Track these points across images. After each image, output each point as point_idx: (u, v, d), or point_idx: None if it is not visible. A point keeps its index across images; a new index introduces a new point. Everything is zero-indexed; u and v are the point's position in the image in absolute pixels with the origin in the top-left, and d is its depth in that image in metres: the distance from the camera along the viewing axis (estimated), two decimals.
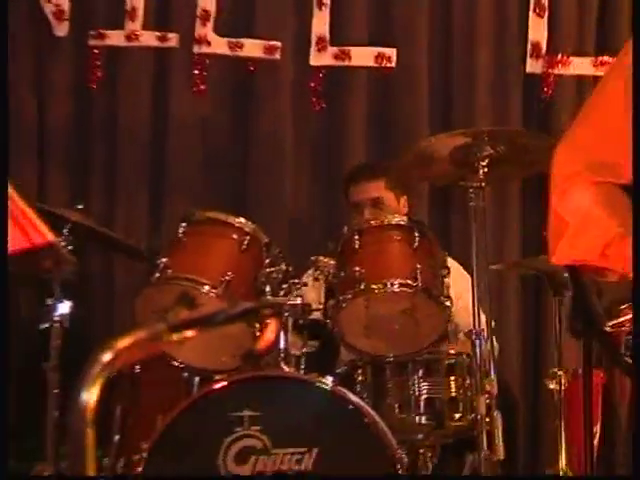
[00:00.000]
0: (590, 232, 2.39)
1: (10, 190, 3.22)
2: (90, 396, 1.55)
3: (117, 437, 4.06)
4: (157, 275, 3.78)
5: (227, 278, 3.70)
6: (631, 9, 5.14)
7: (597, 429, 4.53)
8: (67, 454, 1.74)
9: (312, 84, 5.16)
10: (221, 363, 3.87)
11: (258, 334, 3.45)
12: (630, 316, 2.44)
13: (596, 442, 4.54)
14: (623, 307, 2.49)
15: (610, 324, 2.49)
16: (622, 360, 2.50)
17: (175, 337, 1.72)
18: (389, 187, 4.59)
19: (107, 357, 1.59)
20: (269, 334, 2.92)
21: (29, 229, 3.20)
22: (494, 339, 4.18)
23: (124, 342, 1.64)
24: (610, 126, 2.47)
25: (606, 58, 5.16)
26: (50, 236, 3.41)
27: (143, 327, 1.72)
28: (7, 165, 2.99)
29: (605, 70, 4.98)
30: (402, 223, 3.93)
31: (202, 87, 5.13)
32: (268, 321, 2.79)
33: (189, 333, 1.75)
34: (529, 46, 5.16)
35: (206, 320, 1.73)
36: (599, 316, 2.50)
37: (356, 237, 3.85)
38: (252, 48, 5.15)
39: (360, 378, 4.03)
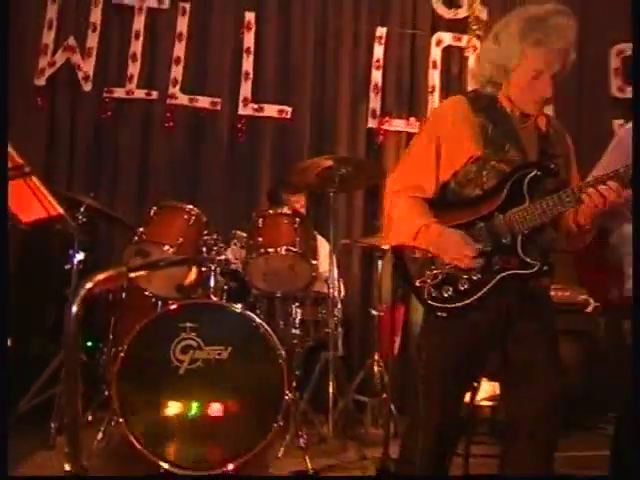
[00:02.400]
0: (406, 225, 2.46)
1: (35, 178, 3.34)
2: (77, 307, 1.65)
3: (111, 336, 4.19)
4: (136, 238, 3.82)
5: (179, 242, 3.77)
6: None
7: (398, 339, 4.71)
8: (63, 344, 1.87)
9: (239, 126, 5.29)
10: (166, 292, 3.90)
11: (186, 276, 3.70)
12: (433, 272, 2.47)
13: (397, 346, 4.70)
14: (429, 272, 2.47)
15: (418, 281, 2.49)
16: (424, 301, 2.48)
17: (132, 274, 1.83)
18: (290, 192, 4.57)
19: (89, 284, 1.67)
20: (192, 276, 3.12)
21: (46, 204, 3.36)
22: (341, 284, 4.47)
23: (100, 276, 1.71)
24: (417, 162, 2.52)
25: (412, 120, 5.30)
26: (60, 209, 3.59)
27: (112, 268, 1.79)
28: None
29: (417, 128, 5.06)
30: (288, 212, 4.01)
31: (171, 124, 5.24)
32: (194, 268, 2.97)
33: (142, 272, 1.90)
34: (370, 111, 5.33)
35: (151, 265, 1.90)
36: (411, 275, 2.51)
37: (260, 220, 3.95)
38: (203, 102, 5.26)
39: (260, 305, 4.16)
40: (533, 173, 2.41)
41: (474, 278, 2.41)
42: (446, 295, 2.44)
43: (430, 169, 2.49)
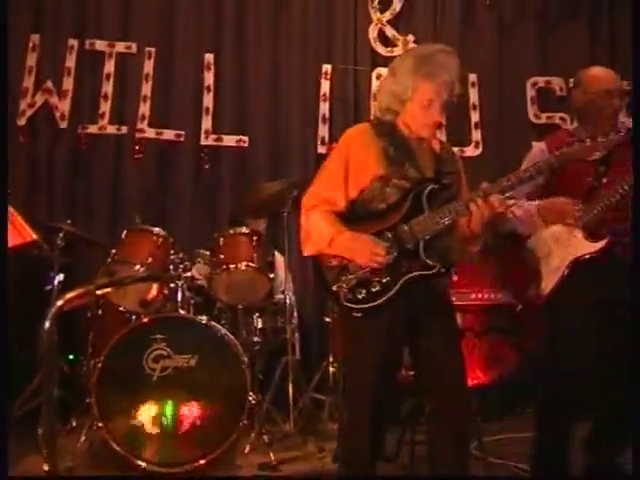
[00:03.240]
0: (321, 234, 2.51)
1: (10, 208, 3.29)
2: (50, 322, 1.67)
3: (90, 350, 4.13)
4: (109, 259, 3.84)
5: (148, 261, 3.78)
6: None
7: None
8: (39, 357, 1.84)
9: (202, 155, 5.26)
10: (135, 307, 3.87)
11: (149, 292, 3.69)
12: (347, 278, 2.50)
13: None
14: (344, 278, 2.50)
15: (335, 286, 2.52)
16: (341, 305, 2.53)
17: (99, 292, 1.85)
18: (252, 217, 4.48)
19: (59, 302, 1.69)
20: (154, 292, 3.12)
21: (21, 231, 3.32)
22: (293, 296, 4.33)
23: (69, 294, 1.72)
24: (329, 180, 2.58)
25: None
26: (34, 235, 3.51)
27: (81, 286, 1.81)
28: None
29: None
30: (247, 232, 3.99)
31: (140, 155, 5.20)
32: (154, 285, 2.99)
33: (107, 290, 1.88)
34: (319, 138, 5.31)
35: (115, 282, 1.90)
36: (328, 281, 2.55)
37: (221, 239, 3.96)
38: (169, 134, 5.23)
39: (224, 317, 4.14)
40: (430, 187, 2.52)
41: (384, 281, 2.48)
42: (360, 297, 2.49)
43: (340, 186, 2.55)
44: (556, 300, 2.99)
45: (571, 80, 3.98)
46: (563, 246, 2.98)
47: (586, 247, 2.95)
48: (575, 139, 2.68)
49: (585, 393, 3.00)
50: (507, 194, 2.86)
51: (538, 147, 3.22)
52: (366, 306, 2.49)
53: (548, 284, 2.99)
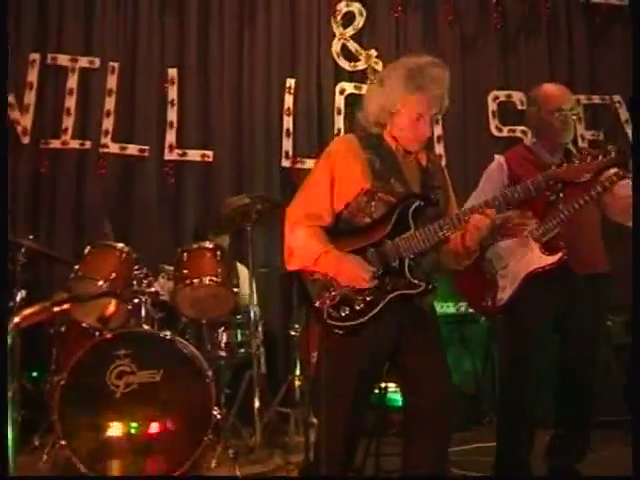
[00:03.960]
0: (307, 251, 2.47)
1: None
2: (8, 339, 1.66)
3: (53, 366, 4.08)
4: (72, 275, 3.78)
5: (111, 277, 3.73)
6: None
7: (315, 355, 4.83)
8: None
9: (166, 169, 5.28)
10: (95, 324, 3.83)
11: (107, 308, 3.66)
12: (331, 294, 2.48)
13: (314, 361, 4.79)
14: (328, 294, 2.47)
15: (318, 302, 2.49)
16: (323, 320, 2.48)
17: (56, 308, 1.82)
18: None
19: (16, 319, 1.69)
20: (112, 308, 3.09)
21: None
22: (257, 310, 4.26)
23: (26, 311, 1.73)
24: (314, 194, 2.55)
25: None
26: None
27: (38, 302, 1.82)
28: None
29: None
30: (210, 246, 3.99)
31: (103, 170, 5.18)
32: (113, 301, 2.94)
33: (65, 306, 1.87)
34: (283, 152, 5.38)
35: (73, 299, 1.90)
36: (311, 297, 2.51)
37: (184, 254, 3.96)
38: (132, 149, 5.24)
39: (189, 331, 4.15)
40: (417, 204, 2.47)
41: (368, 299, 2.45)
42: (343, 314, 2.46)
43: (326, 200, 2.52)
44: (511, 311, 3.06)
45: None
46: (519, 258, 3.05)
47: (541, 260, 3.01)
48: (534, 155, 2.73)
49: (541, 401, 3.06)
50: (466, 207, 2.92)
51: (497, 161, 3.30)
52: (349, 324, 2.46)
53: (504, 295, 3.07)
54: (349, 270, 2.44)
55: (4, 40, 3.42)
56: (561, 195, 3.04)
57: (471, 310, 4.13)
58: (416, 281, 2.45)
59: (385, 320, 2.47)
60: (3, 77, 3.60)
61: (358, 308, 2.45)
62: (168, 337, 3.65)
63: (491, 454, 3.24)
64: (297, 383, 4.38)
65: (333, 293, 2.46)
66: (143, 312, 3.84)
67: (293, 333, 4.42)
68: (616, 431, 4.25)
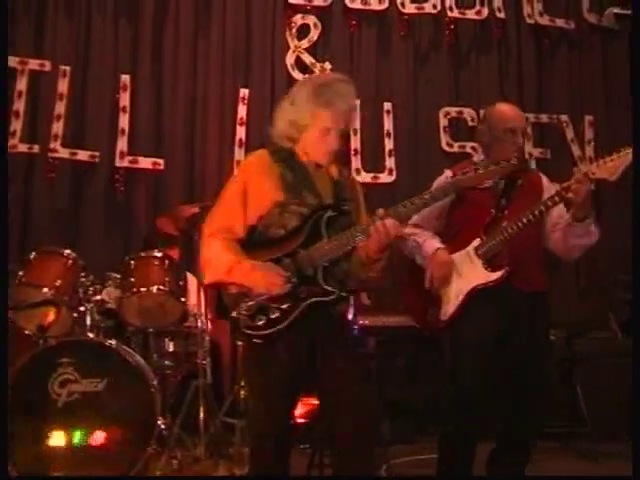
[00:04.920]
0: (220, 263, 2.52)
1: None
2: None
3: None
4: (16, 282, 3.72)
5: (57, 284, 3.72)
6: None
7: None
8: None
9: (116, 177, 5.23)
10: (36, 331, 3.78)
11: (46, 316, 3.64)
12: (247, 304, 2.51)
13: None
14: (244, 304, 2.51)
15: (234, 313, 2.54)
16: (241, 330, 2.55)
17: None
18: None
19: None
20: (51, 316, 3.07)
21: None
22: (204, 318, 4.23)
23: None
24: (227, 208, 2.60)
25: None
26: None
27: None
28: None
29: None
30: (158, 255, 4.00)
31: (52, 175, 5.13)
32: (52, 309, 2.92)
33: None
34: (235, 162, 5.33)
35: (12, 307, 1.89)
36: (228, 308, 2.56)
37: (132, 262, 3.95)
38: (82, 155, 5.17)
39: (135, 340, 4.09)
40: (329, 213, 2.57)
41: (283, 307, 2.51)
42: (260, 323, 2.52)
43: (238, 213, 2.58)
44: (454, 326, 3.12)
45: (482, 111, 4.17)
46: (463, 274, 3.11)
47: (485, 276, 3.08)
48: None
49: (482, 415, 3.12)
50: (411, 222, 3.00)
51: (445, 175, 3.35)
52: (265, 332, 2.52)
53: (447, 310, 3.12)
54: (262, 277, 2.50)
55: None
56: (505, 212, 3.11)
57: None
58: (330, 288, 2.53)
59: (301, 328, 2.53)
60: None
61: (274, 317, 2.51)
62: (113, 346, 3.63)
63: (433, 466, 3.27)
64: (242, 393, 4.31)
65: (249, 303, 2.52)
66: (88, 320, 3.81)
67: (240, 343, 4.39)
68: (556, 443, 4.37)
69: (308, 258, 2.53)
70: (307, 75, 5.51)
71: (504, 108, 3.31)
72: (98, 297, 3.90)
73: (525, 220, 3.02)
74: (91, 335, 3.78)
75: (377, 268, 2.68)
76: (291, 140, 2.67)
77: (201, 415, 3.93)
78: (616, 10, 2.52)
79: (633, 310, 2.54)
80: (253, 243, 2.58)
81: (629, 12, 2.53)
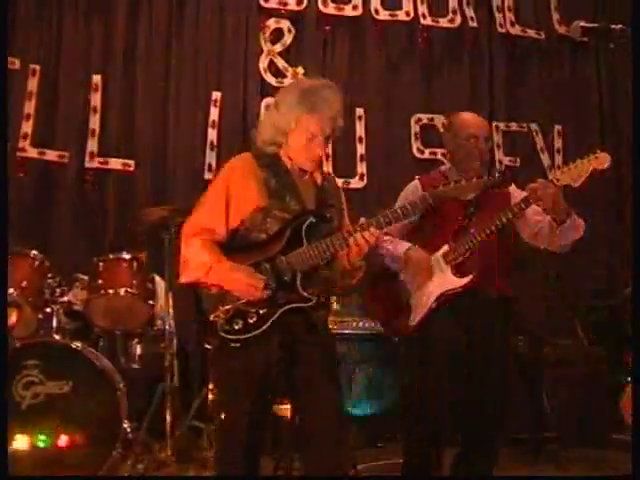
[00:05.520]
0: (199, 263, 2.53)
1: None
2: None
3: None
4: None
5: (23, 285, 3.72)
6: None
7: None
8: None
9: (86, 177, 5.16)
10: None
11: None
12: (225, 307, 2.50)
13: None
14: (222, 308, 2.52)
15: (212, 315, 2.55)
16: (217, 335, 2.55)
17: None
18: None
19: None
20: (13, 318, 3.06)
21: None
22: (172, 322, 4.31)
23: None
24: (209, 209, 2.61)
25: None
26: None
27: None
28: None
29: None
30: (126, 257, 4.01)
31: (21, 174, 5.06)
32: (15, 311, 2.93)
33: None
34: (206, 165, 5.32)
35: None
36: (206, 310, 2.57)
37: (100, 263, 3.96)
38: (51, 155, 5.11)
39: (102, 342, 4.11)
40: (310, 220, 2.58)
41: (261, 312, 2.53)
42: (237, 327, 2.53)
43: (220, 215, 2.59)
44: (423, 332, 3.15)
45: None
46: (431, 280, 3.14)
47: (453, 283, 3.12)
48: (449, 180, 2.83)
49: (446, 420, 3.16)
50: (384, 230, 3.02)
51: (413, 183, 3.40)
52: (242, 337, 2.52)
53: (416, 316, 3.16)
54: (240, 280, 2.51)
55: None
56: (473, 220, 3.15)
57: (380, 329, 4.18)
58: (308, 295, 2.54)
59: (278, 334, 2.55)
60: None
61: (251, 321, 2.52)
62: (79, 348, 3.61)
63: (399, 471, 3.30)
64: (210, 396, 4.28)
65: (227, 307, 2.53)
66: (55, 322, 3.79)
67: (208, 346, 4.37)
68: (519, 448, 4.42)
69: (287, 264, 2.54)
70: (280, 79, 5.53)
71: (466, 116, 3.39)
72: (65, 298, 3.88)
73: (493, 227, 3.07)
74: (57, 337, 3.76)
75: (357, 276, 2.72)
76: (276, 145, 2.68)
77: (168, 419, 3.90)
78: (582, 23, 2.57)
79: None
80: (234, 246, 2.59)
81: (596, 25, 2.59)
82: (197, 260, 2.55)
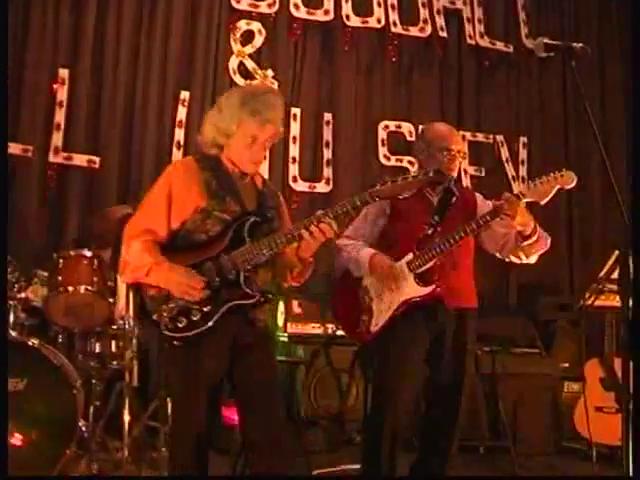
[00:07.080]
0: (139, 264, 2.55)
1: None
2: None
3: None
4: None
5: None
6: None
7: None
8: None
9: (49, 173, 5.10)
10: None
11: None
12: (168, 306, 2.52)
13: None
14: (165, 306, 2.53)
15: (155, 315, 2.55)
16: (161, 333, 2.56)
17: None
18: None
19: None
20: None
21: None
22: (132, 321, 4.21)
23: None
24: (151, 210, 2.63)
25: None
26: None
27: None
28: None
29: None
30: (88, 254, 3.94)
31: None
32: None
33: None
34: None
35: None
36: (149, 310, 2.56)
37: (61, 260, 3.90)
38: (15, 148, 4.98)
39: (60, 340, 4.03)
40: (252, 220, 2.63)
41: (205, 309, 2.55)
42: (180, 325, 2.54)
43: (162, 216, 2.61)
44: (383, 339, 3.17)
45: (421, 127, 4.24)
46: (394, 287, 3.16)
47: (416, 291, 3.14)
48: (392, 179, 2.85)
49: (402, 424, 3.17)
50: (345, 234, 3.04)
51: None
52: (186, 335, 2.54)
53: (378, 322, 3.18)
54: (179, 281, 2.53)
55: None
56: (438, 229, 3.17)
57: (341, 333, 4.19)
58: (251, 292, 2.58)
59: (222, 331, 2.57)
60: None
61: (195, 319, 2.54)
62: (35, 345, 3.56)
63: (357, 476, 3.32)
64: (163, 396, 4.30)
65: (171, 305, 2.55)
66: (12, 318, 3.73)
67: (176, 343, 4.32)
68: (476, 456, 4.47)
69: (231, 262, 2.57)
70: (249, 81, 5.52)
71: (442, 128, 3.42)
72: (23, 294, 3.83)
73: (457, 237, 3.09)
74: (13, 333, 3.70)
75: (306, 274, 2.75)
76: (217, 147, 2.72)
77: (125, 418, 3.87)
78: (546, 40, 2.65)
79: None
80: (175, 247, 2.61)
81: (559, 43, 2.67)
82: (137, 262, 2.57)
